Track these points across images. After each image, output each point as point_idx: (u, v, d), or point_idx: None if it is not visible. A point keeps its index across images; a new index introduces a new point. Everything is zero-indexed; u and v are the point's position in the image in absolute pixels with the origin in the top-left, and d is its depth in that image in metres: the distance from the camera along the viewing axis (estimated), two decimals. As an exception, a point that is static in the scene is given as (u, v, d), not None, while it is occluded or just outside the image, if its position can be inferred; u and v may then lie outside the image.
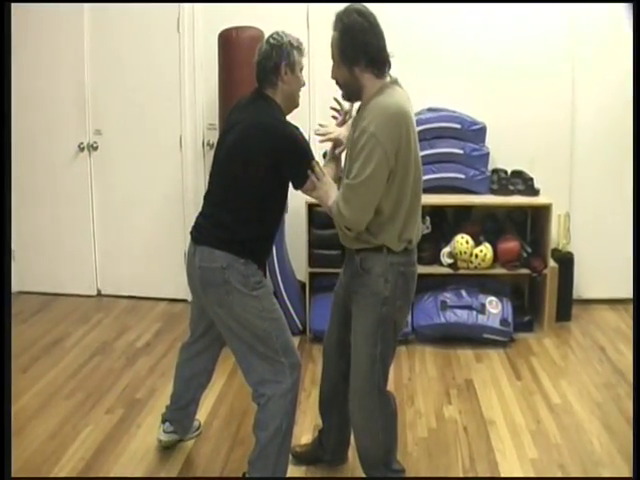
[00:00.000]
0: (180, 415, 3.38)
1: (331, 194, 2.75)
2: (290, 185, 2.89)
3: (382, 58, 2.60)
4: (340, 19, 2.57)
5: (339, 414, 3.11)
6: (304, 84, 2.91)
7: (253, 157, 2.75)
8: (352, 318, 2.82)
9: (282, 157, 2.75)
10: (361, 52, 2.55)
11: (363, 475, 2.99)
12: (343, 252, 4.92)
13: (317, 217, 4.76)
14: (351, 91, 2.68)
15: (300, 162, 2.78)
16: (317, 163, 2.81)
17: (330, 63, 2.72)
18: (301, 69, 2.87)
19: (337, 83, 2.71)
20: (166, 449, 3.38)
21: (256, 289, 2.83)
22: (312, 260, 4.87)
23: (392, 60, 2.66)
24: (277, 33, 2.85)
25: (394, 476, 2.95)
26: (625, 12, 4.84)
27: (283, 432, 2.87)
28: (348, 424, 3.08)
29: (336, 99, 3.01)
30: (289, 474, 3.02)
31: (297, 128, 2.81)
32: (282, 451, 2.91)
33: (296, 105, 2.92)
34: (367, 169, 2.51)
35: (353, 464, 3.13)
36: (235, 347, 2.92)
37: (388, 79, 2.67)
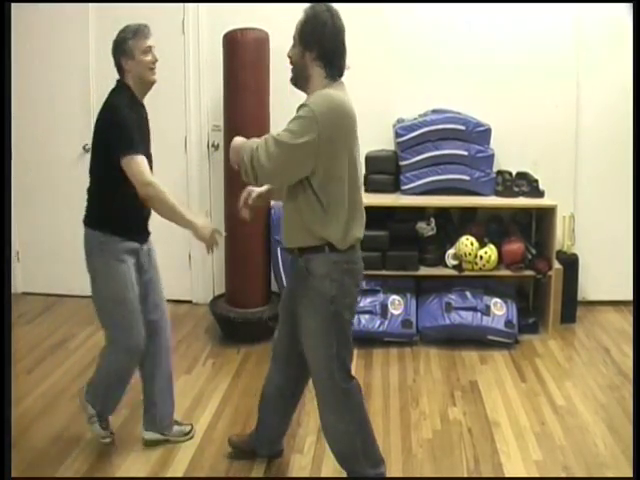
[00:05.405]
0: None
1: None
2: None
3: (334, 59, 2.71)
4: (311, 7, 2.73)
5: (279, 416, 3.19)
6: (153, 61, 3.13)
7: (93, 136, 3.11)
8: (301, 321, 2.83)
9: (101, 131, 3.06)
10: (316, 41, 2.67)
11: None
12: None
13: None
14: (297, 74, 2.76)
15: (117, 134, 2.99)
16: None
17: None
18: (144, 50, 3.10)
19: (290, 62, 2.79)
20: (149, 447, 3.43)
21: (108, 264, 3.12)
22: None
23: (346, 71, 2.78)
24: (121, 29, 3.16)
25: (377, 474, 2.95)
26: (628, 13, 4.84)
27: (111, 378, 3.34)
28: (286, 426, 3.24)
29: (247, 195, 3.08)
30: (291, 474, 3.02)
31: (129, 113, 3.04)
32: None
33: (149, 82, 3.17)
34: (301, 138, 2.57)
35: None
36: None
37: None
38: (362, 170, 2.89)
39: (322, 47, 2.67)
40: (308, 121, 2.57)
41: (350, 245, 2.75)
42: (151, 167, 3.22)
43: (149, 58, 3.11)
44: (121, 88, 3.13)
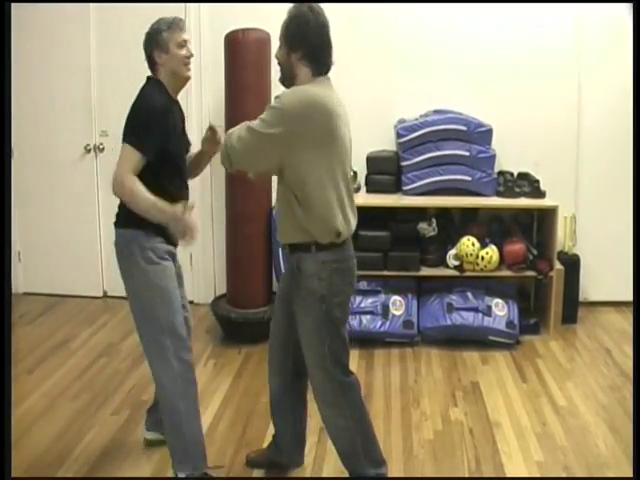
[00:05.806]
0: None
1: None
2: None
3: (320, 57, 2.72)
4: (294, 7, 2.75)
5: (292, 413, 3.14)
6: (188, 55, 2.98)
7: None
8: (296, 318, 2.86)
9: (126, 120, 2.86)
10: (301, 41, 2.69)
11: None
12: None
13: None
14: (285, 74, 2.78)
15: (130, 122, 2.85)
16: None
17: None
18: (180, 44, 2.95)
19: (278, 63, 2.81)
20: (150, 447, 3.40)
21: (153, 263, 2.88)
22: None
23: (333, 67, 2.78)
24: (155, 21, 2.99)
25: (378, 474, 2.95)
26: (628, 13, 4.84)
27: (181, 415, 2.96)
28: (302, 422, 3.16)
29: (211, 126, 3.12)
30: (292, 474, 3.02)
31: (160, 103, 2.88)
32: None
33: (184, 78, 3.02)
34: (270, 128, 2.60)
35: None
36: (136, 323, 2.98)
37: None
38: (348, 166, 2.83)
39: (307, 47, 2.70)
40: (276, 112, 2.61)
41: (332, 241, 2.73)
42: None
43: (184, 52, 2.96)
44: (153, 83, 2.96)
